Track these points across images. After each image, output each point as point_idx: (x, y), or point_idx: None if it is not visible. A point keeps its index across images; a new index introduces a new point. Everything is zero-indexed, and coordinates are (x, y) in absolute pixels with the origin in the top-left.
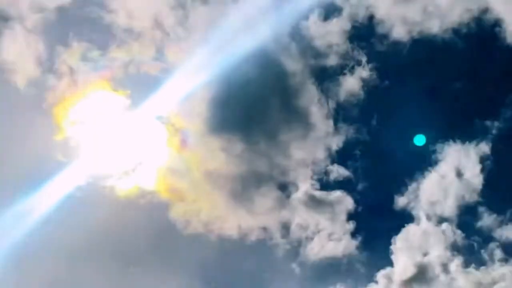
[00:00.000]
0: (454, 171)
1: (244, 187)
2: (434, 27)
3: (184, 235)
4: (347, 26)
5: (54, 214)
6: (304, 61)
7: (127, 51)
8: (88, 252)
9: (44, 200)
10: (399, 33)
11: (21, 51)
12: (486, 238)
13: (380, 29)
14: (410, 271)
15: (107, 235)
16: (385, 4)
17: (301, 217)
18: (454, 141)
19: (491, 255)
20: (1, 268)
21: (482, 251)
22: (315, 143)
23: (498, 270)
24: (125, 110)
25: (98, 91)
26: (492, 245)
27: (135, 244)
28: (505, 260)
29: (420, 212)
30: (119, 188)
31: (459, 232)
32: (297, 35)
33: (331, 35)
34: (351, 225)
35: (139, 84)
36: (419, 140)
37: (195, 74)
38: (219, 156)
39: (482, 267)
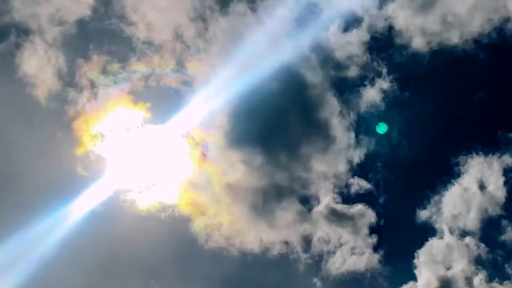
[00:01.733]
0: (477, 184)
1: (265, 200)
2: (454, 37)
3: (205, 249)
4: (367, 37)
5: (76, 228)
6: (325, 73)
7: (147, 63)
8: (110, 265)
9: (66, 215)
10: (419, 43)
11: (42, 65)
12: (510, 251)
13: (399, 40)
14: (434, 285)
15: (129, 249)
16: (404, 15)
17: (323, 230)
18: (477, 153)
19: None
20: (28, 281)
21: (506, 265)
22: (336, 155)
23: None
24: (146, 123)
25: (118, 104)
26: None
27: (156, 258)
28: None
29: (443, 225)
30: (140, 202)
31: (482, 245)
32: (317, 46)
33: (351, 46)
34: (373, 239)
35: (160, 97)
36: (382, 128)
37: (216, 87)
38: (240, 169)
39: (506, 281)
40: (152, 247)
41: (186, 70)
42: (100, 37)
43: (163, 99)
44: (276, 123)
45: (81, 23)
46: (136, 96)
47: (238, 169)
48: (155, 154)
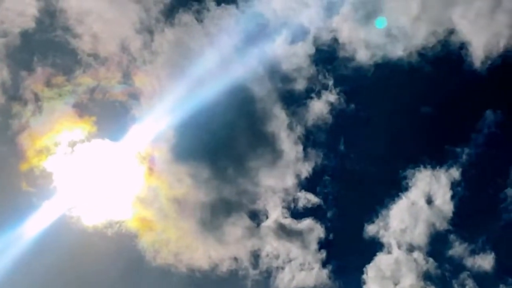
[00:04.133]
0: (425, 198)
1: (213, 215)
2: (398, 50)
3: (153, 266)
4: (312, 49)
5: (20, 245)
6: (272, 85)
7: (93, 76)
8: (54, 283)
9: (9, 231)
10: (363, 56)
11: None
12: (458, 266)
13: (344, 53)
14: None
15: (75, 267)
16: (348, 27)
17: (271, 246)
18: (425, 166)
19: (463, 285)
20: None
21: (454, 281)
22: (284, 169)
23: None
24: (92, 138)
25: (64, 118)
26: (463, 274)
27: (103, 275)
28: None
29: (391, 239)
30: (86, 218)
31: (431, 260)
32: (264, 58)
33: (297, 58)
34: (322, 254)
35: (106, 111)
36: (380, 22)
37: (163, 99)
38: (188, 184)
39: None
40: (99, 264)
41: (132, 82)
42: (44, 49)
43: (109, 113)
44: (224, 137)
45: (25, 35)
46: (82, 110)
47: (185, 183)
48: (102, 169)
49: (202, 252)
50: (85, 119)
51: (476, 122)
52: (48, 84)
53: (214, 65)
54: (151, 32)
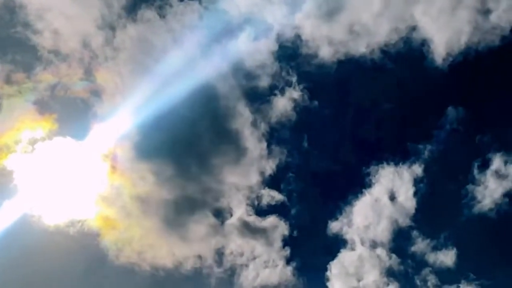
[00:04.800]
0: (388, 194)
1: (177, 213)
2: (361, 47)
3: (116, 265)
4: (275, 46)
5: None
6: (236, 82)
7: (54, 73)
8: (16, 282)
9: None
10: (326, 53)
11: None
12: (420, 263)
13: (307, 50)
14: None
15: (36, 266)
16: (311, 24)
17: (236, 243)
18: (388, 163)
19: (425, 281)
20: None
21: (416, 277)
22: (248, 166)
23: None
24: (53, 135)
25: (24, 116)
26: (425, 270)
27: (65, 274)
28: (438, 287)
29: (354, 236)
30: (48, 217)
31: (394, 256)
32: (227, 55)
33: (261, 55)
34: (286, 251)
35: (67, 108)
36: None
37: (125, 96)
38: (151, 181)
39: None
40: (61, 264)
41: (94, 79)
42: (4, 46)
43: (71, 110)
44: (188, 134)
45: None
46: (43, 107)
47: (149, 181)
48: (63, 167)
49: (166, 251)
50: (46, 117)
51: (438, 118)
52: (8, 81)
53: (177, 62)
54: (113, 28)
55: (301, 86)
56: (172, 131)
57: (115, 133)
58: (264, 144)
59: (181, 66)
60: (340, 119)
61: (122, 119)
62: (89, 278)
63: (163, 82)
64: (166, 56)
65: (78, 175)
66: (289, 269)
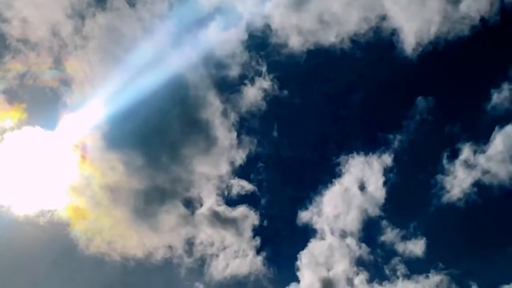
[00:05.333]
0: (357, 184)
1: (147, 203)
2: (330, 36)
3: (86, 255)
4: (245, 35)
5: None
6: (206, 72)
7: (23, 62)
8: None
9: None
10: (296, 42)
11: None
12: (389, 252)
13: (276, 39)
14: (316, 286)
15: (5, 256)
16: (281, 14)
17: (206, 233)
18: (358, 152)
19: (394, 271)
20: None
21: (385, 266)
22: (218, 156)
23: (400, 285)
24: (22, 125)
25: None
26: (395, 260)
27: (35, 264)
28: (407, 276)
29: (324, 226)
30: (17, 207)
31: (363, 246)
32: (197, 44)
33: (230, 44)
34: (256, 241)
35: (37, 97)
36: None
37: (94, 85)
38: (121, 171)
39: (386, 282)
40: (30, 254)
41: (64, 68)
42: None
43: (40, 100)
44: (158, 124)
45: None
46: (12, 97)
47: (119, 171)
48: (33, 157)
49: (136, 241)
50: (15, 106)
51: (408, 108)
52: None
53: (147, 52)
54: (82, 17)
55: (271, 76)
56: (142, 121)
57: (85, 122)
58: (234, 134)
59: (151, 56)
60: (310, 108)
61: (92, 108)
62: (59, 268)
63: (133, 71)
64: (136, 45)
65: (48, 165)
66: (259, 259)
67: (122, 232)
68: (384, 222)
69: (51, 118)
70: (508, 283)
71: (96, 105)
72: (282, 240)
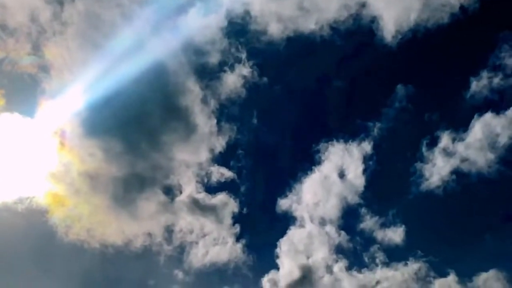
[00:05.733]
0: (337, 171)
1: (127, 190)
2: (310, 23)
3: (65, 242)
4: (224, 22)
5: None
6: (185, 59)
7: (1, 48)
8: None
9: None
10: (275, 29)
11: None
12: (368, 240)
13: (256, 26)
14: (295, 274)
15: None
16: (260, 0)
17: (186, 221)
18: (337, 140)
19: (373, 258)
20: None
21: (365, 254)
22: (198, 143)
23: (379, 273)
24: (0, 111)
25: None
26: (374, 247)
27: (13, 251)
28: (386, 264)
29: (304, 213)
30: None
31: (342, 233)
32: (177, 30)
33: (210, 30)
34: (236, 229)
35: (15, 83)
36: None
37: (73, 72)
38: (100, 159)
39: (364, 269)
40: (8, 241)
41: (42, 54)
42: None
43: (18, 86)
44: (137, 111)
45: None
46: None
47: (98, 158)
48: (11, 143)
49: (115, 228)
50: None
51: (388, 96)
52: None
53: (127, 38)
54: (61, 3)
55: (251, 63)
56: (122, 108)
57: (64, 109)
58: (214, 121)
59: (130, 42)
60: (290, 96)
61: (71, 95)
62: (37, 255)
63: (112, 58)
64: (115, 32)
65: (26, 152)
66: (238, 246)
67: (101, 219)
68: (363, 210)
69: (30, 105)
70: (486, 271)
71: (75, 91)
72: (262, 227)
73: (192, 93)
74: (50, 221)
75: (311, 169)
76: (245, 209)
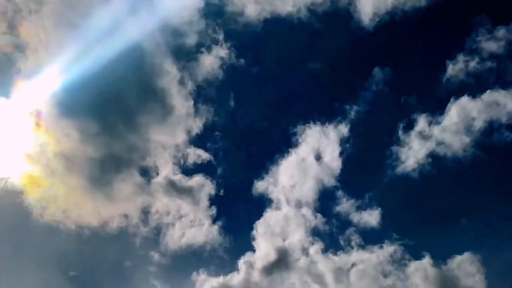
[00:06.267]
0: (314, 154)
1: (103, 171)
2: (287, 5)
3: (40, 223)
4: (201, 3)
5: None
6: (162, 39)
7: None
8: None
9: None
10: (252, 11)
11: None
12: (344, 222)
13: (233, 7)
14: (271, 256)
15: None
16: None
17: (162, 202)
18: (314, 122)
19: (349, 241)
20: None
21: (340, 236)
22: (175, 125)
23: (355, 255)
24: None
25: None
26: (350, 230)
27: None
28: (362, 247)
29: (280, 196)
30: None
31: (319, 216)
32: (153, 11)
33: (187, 11)
34: (212, 210)
35: None
36: None
37: (49, 52)
38: (76, 139)
39: (340, 252)
40: None
41: (18, 34)
42: None
43: None
44: (114, 92)
45: None
46: None
47: (74, 139)
48: None
49: (91, 209)
50: None
51: (364, 79)
52: None
53: (103, 18)
54: None
55: (228, 44)
56: (98, 88)
57: (39, 89)
58: (191, 103)
59: (107, 22)
60: (267, 78)
61: (46, 75)
62: (12, 237)
63: (88, 38)
64: (91, 11)
65: (1, 133)
66: (215, 228)
67: (77, 201)
68: (339, 193)
69: (5, 85)
70: (460, 253)
71: (51, 71)
72: (238, 209)
73: (169, 75)
74: (26, 202)
75: (287, 152)
76: (221, 191)
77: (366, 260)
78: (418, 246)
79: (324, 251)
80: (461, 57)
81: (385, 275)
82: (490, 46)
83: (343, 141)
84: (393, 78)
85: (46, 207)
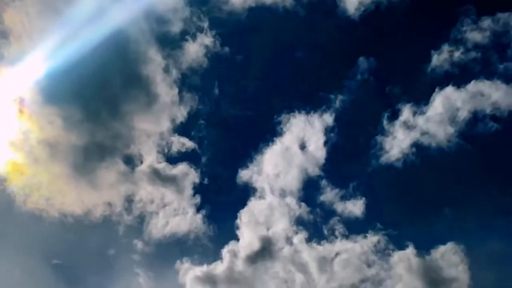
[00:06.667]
0: (298, 143)
1: (87, 159)
2: None
3: (23, 211)
4: None
5: None
6: (147, 27)
7: None
8: None
9: None
10: None
11: None
12: (328, 212)
13: None
14: (255, 245)
15: None
16: None
17: (146, 191)
18: (299, 111)
19: (333, 230)
20: None
21: (324, 226)
22: (159, 113)
23: (339, 245)
24: None
25: None
26: (334, 219)
27: None
28: (345, 236)
29: (264, 185)
30: None
31: (303, 205)
32: None
33: None
34: (196, 199)
35: None
36: None
37: (33, 39)
38: (59, 127)
39: (324, 241)
40: None
41: (1, 20)
42: None
43: None
44: (98, 79)
45: None
46: None
47: (57, 126)
48: None
49: (75, 197)
50: None
51: (349, 68)
52: None
53: (88, 4)
54: None
55: (213, 32)
56: (82, 75)
57: (23, 76)
58: (176, 91)
59: (91, 9)
60: (252, 66)
61: (30, 62)
62: None
63: (72, 25)
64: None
65: None
66: (199, 217)
67: (61, 188)
68: (324, 182)
69: None
70: (444, 243)
71: (34, 58)
72: (222, 198)
73: (154, 62)
74: (8, 189)
75: (272, 140)
76: (205, 180)
77: (350, 249)
78: (402, 236)
79: (308, 240)
80: (446, 47)
81: (369, 265)
82: (475, 36)
83: (327, 131)
84: (378, 67)
85: (29, 195)
